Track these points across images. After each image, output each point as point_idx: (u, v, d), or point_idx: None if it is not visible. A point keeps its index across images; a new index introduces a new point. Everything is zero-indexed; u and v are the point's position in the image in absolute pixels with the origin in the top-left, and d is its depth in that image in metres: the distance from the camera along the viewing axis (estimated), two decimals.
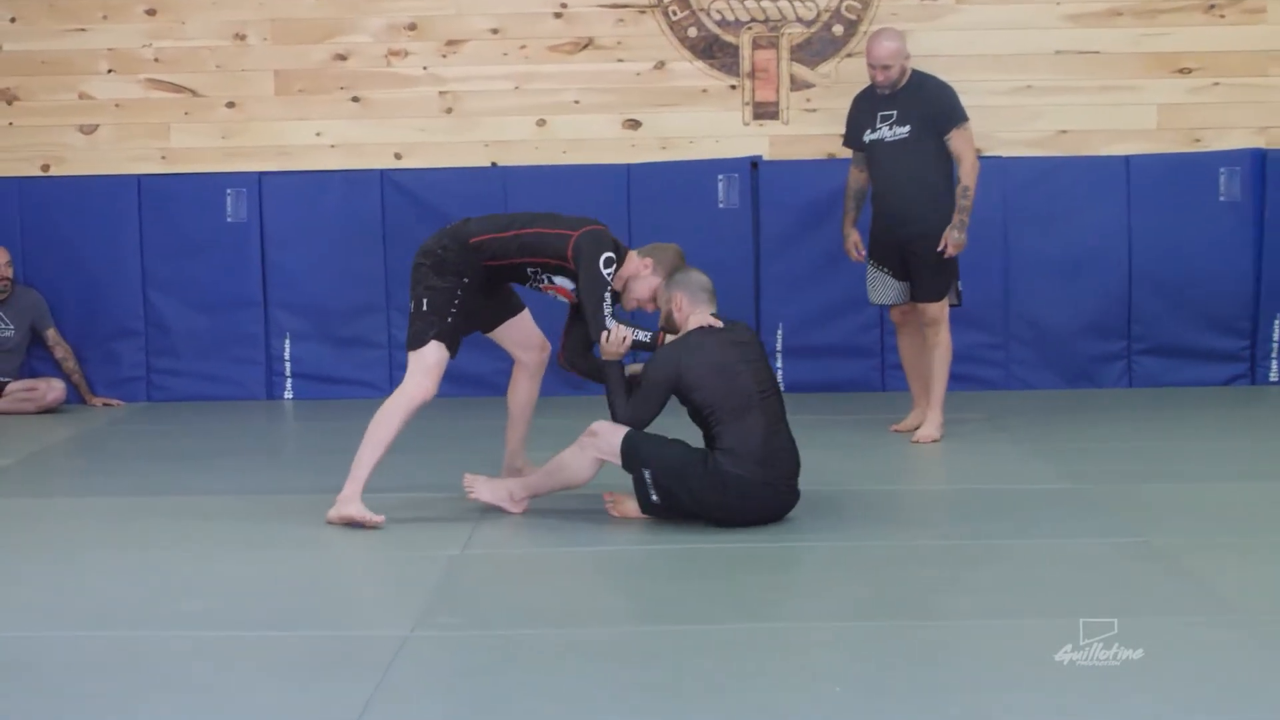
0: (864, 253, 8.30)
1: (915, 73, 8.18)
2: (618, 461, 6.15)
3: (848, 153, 9.80)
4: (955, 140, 8.05)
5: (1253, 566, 5.54)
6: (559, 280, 6.57)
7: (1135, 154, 9.65)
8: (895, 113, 8.09)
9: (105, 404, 9.76)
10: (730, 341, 6.21)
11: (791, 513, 6.27)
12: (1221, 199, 9.60)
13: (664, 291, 6.36)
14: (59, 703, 4.36)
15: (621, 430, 6.15)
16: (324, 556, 5.96)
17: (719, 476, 6.01)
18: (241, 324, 9.84)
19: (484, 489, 6.45)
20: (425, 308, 6.41)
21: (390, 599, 5.40)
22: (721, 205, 9.61)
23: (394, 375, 9.74)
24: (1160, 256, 9.61)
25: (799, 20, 9.71)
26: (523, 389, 6.90)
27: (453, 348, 6.48)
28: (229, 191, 9.79)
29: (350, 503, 6.31)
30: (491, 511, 6.49)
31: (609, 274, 6.37)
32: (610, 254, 6.39)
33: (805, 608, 5.27)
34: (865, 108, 8.23)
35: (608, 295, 6.37)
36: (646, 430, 6.19)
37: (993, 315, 9.65)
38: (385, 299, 9.77)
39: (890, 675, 4.46)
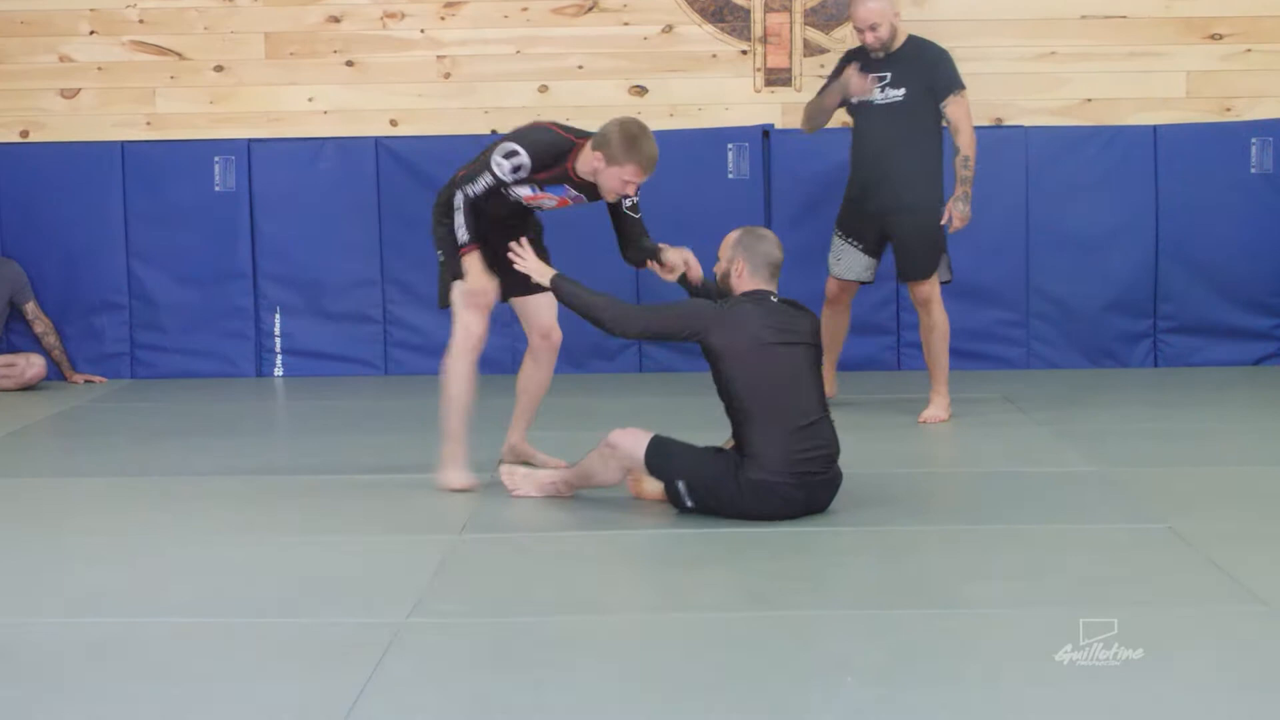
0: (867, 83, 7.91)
1: (911, 36, 7.92)
2: (643, 472, 6.01)
3: None
4: (952, 108, 7.77)
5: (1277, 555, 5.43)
6: (538, 191, 6.35)
7: (1163, 124, 9.45)
8: (890, 75, 7.81)
9: (87, 381, 9.60)
10: (777, 325, 5.91)
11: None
12: (1253, 171, 9.47)
13: (730, 248, 6.06)
14: (40, 692, 4.29)
15: (642, 440, 5.93)
16: (317, 541, 5.86)
17: (753, 486, 5.81)
18: (230, 298, 9.68)
19: (526, 484, 6.36)
20: (441, 257, 6.45)
21: (385, 585, 5.26)
22: (731, 175, 9.40)
23: (389, 352, 9.56)
24: (1189, 231, 9.43)
25: None
26: (527, 373, 6.80)
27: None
28: (217, 159, 9.59)
29: (447, 469, 6.43)
30: (489, 494, 6.40)
31: (507, 165, 6.21)
32: (515, 147, 6.22)
33: (819, 596, 5.14)
34: (855, 66, 7.92)
35: (479, 185, 6.23)
36: (668, 438, 5.96)
37: (1013, 292, 9.50)
38: (380, 272, 9.58)
39: (908, 665, 4.39)
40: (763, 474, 5.77)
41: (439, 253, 6.46)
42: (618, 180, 6.19)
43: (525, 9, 9.55)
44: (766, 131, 9.47)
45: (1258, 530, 5.73)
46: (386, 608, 4.91)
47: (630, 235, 6.46)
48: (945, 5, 9.39)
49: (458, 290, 6.38)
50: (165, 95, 9.65)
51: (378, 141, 9.54)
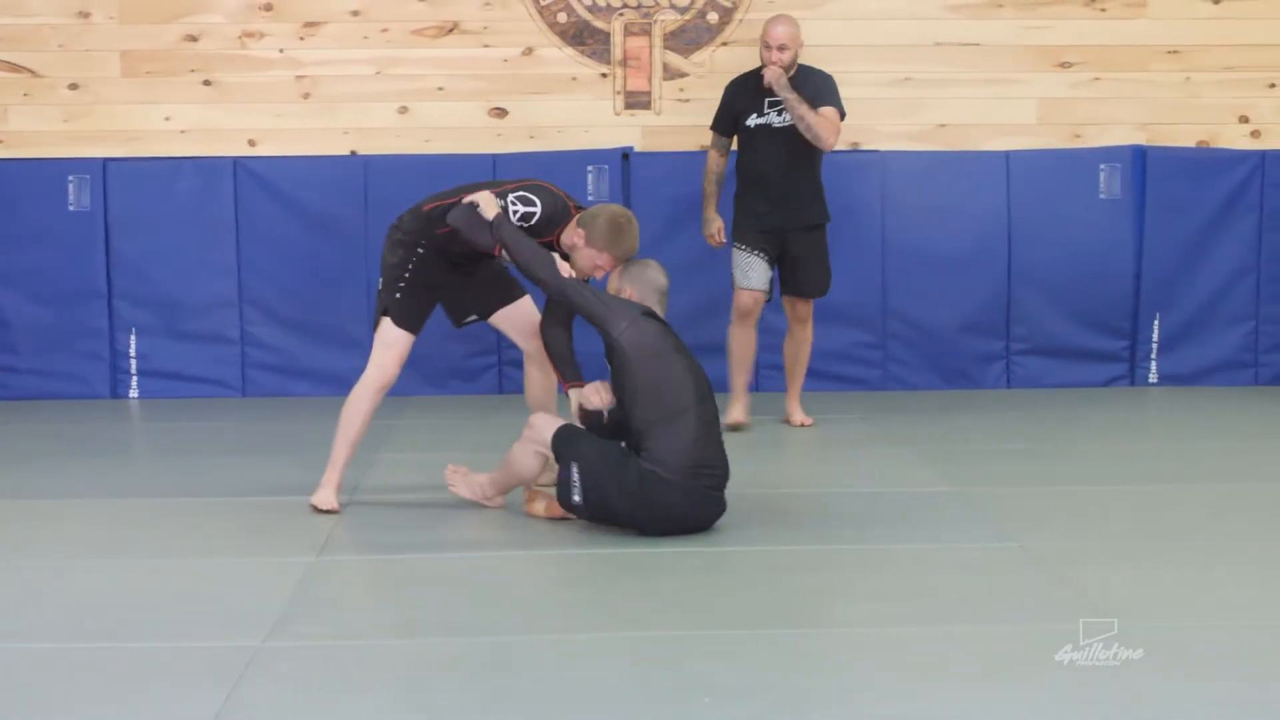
0: (724, 239, 8.39)
1: (801, 65, 8.18)
2: (549, 453, 6.07)
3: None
4: (825, 112, 8.06)
5: (1129, 572, 5.52)
6: None
7: (1015, 149, 9.59)
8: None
9: None
10: (671, 339, 6.07)
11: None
12: (1102, 196, 9.58)
13: (617, 279, 6.22)
14: None
15: (556, 423, 6.08)
16: (172, 564, 5.79)
17: (646, 478, 5.85)
18: (85, 318, 9.51)
19: (462, 485, 6.43)
20: (380, 285, 6.47)
21: (242, 608, 5.20)
22: (591, 197, 9.39)
23: (247, 373, 9.49)
24: (1040, 254, 9.55)
25: (673, 7, 9.51)
26: (534, 380, 6.76)
27: (409, 324, 6.42)
28: (71, 178, 9.44)
29: (322, 489, 6.40)
30: (347, 515, 6.38)
31: (520, 210, 6.23)
32: (534, 199, 6.26)
33: (682, 616, 5.13)
34: (746, 94, 8.22)
35: (510, 208, 6.24)
36: (579, 427, 6.10)
37: (870, 313, 9.57)
38: (238, 292, 9.48)
39: (769, 685, 4.38)
40: (658, 468, 5.83)
41: (379, 280, 6.46)
42: (590, 262, 6.24)
43: (385, 30, 9.50)
44: (626, 154, 9.48)
45: (1106, 548, 5.82)
46: (243, 631, 4.85)
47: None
48: (806, 30, 9.37)
49: (385, 325, 6.40)
50: (19, 113, 9.47)
51: (236, 161, 9.42)
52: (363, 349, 6.63)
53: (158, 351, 9.51)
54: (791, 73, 8.06)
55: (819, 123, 7.98)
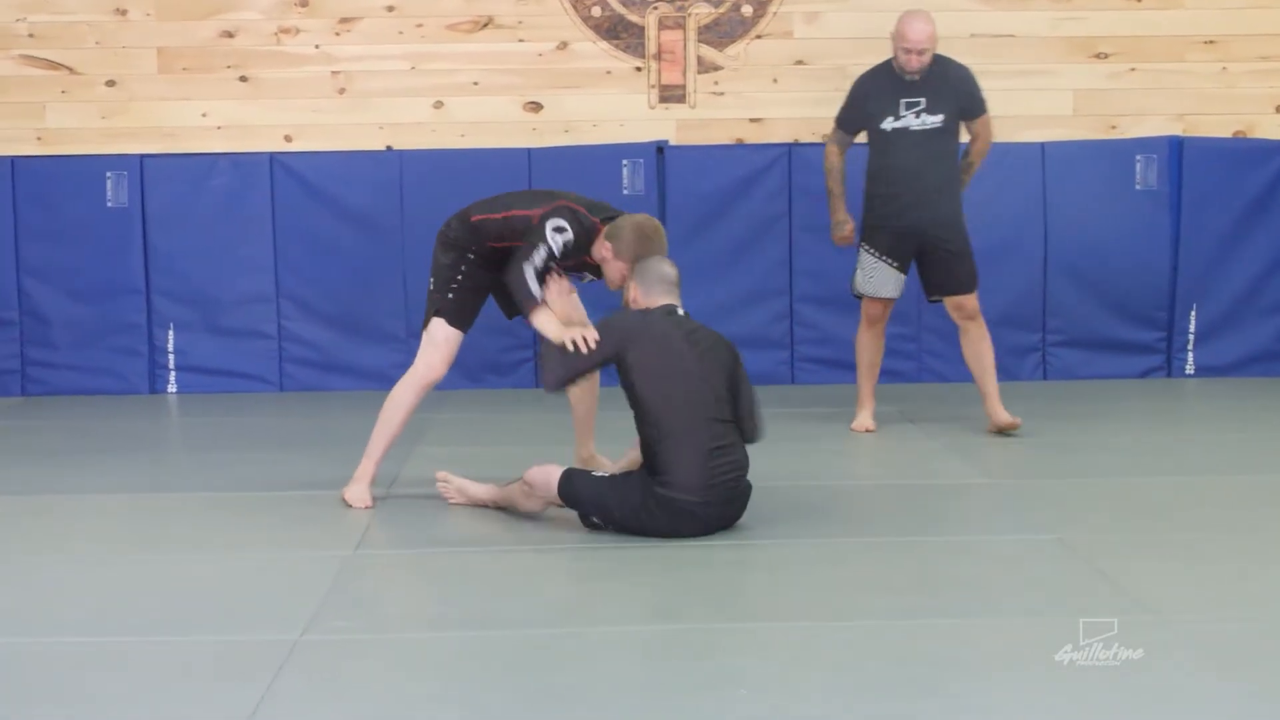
0: (854, 239, 8.02)
1: (936, 56, 7.83)
2: (559, 502, 6.03)
3: (756, 138, 9.60)
4: (981, 124, 7.90)
5: (1165, 564, 5.49)
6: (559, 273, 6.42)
7: (1051, 140, 9.56)
8: (924, 100, 7.75)
9: None
10: (684, 335, 5.95)
11: None
12: (1138, 187, 9.56)
13: (630, 278, 6.17)
14: None
15: (554, 475, 5.98)
16: (210, 558, 5.80)
17: (664, 504, 5.80)
18: (122, 314, 9.57)
19: (455, 494, 6.42)
20: (431, 286, 6.47)
21: (279, 602, 5.20)
22: (626, 192, 9.39)
23: (284, 368, 9.51)
24: (1076, 246, 9.52)
25: (707, 0, 9.45)
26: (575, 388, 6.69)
27: (460, 324, 6.44)
28: (109, 175, 9.48)
29: (355, 484, 6.43)
30: (385, 511, 6.37)
31: (559, 241, 6.23)
32: (564, 224, 6.24)
33: (717, 609, 5.13)
34: (883, 92, 7.84)
35: (540, 256, 6.19)
36: (576, 470, 6.03)
37: (905, 306, 9.46)
38: (275, 288, 9.51)
39: (801, 677, 4.39)
40: (674, 492, 5.77)
41: (430, 280, 6.46)
42: (620, 273, 6.22)
43: (420, 25, 9.53)
44: (661, 148, 9.48)
45: (1142, 540, 5.79)
46: (281, 625, 4.85)
47: None
48: (834, 23, 9.45)
49: (436, 324, 6.41)
50: (56, 110, 9.53)
51: (272, 157, 9.46)
52: (400, 343, 6.70)
53: (195, 347, 9.56)
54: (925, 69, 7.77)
55: (981, 156, 7.93)
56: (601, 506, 5.88)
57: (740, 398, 5.94)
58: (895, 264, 7.88)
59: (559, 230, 6.24)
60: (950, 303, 7.95)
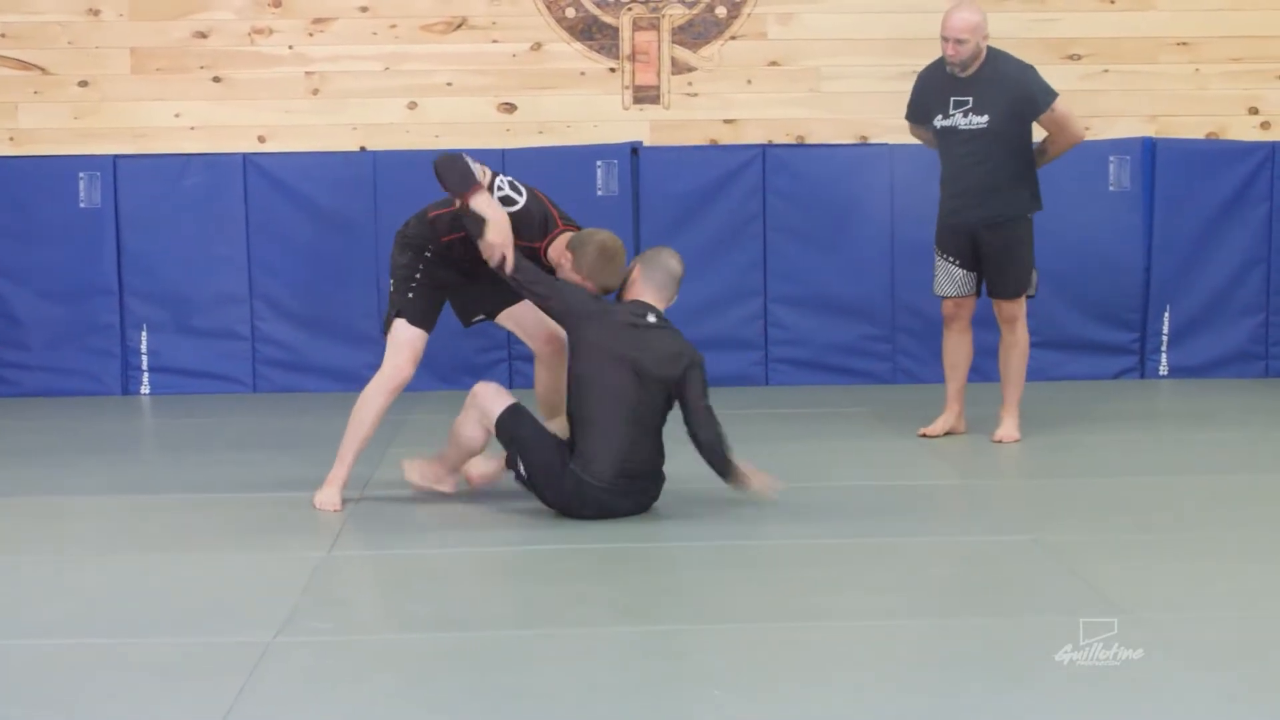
0: None
1: (991, 51, 7.57)
2: (492, 425, 6.13)
3: (731, 139, 9.66)
4: (1048, 122, 7.58)
5: (1140, 565, 5.49)
6: None
7: None
8: (970, 100, 7.54)
9: None
10: (635, 338, 6.01)
11: (670, 511, 6.20)
12: (1111, 189, 9.58)
13: (633, 264, 6.25)
14: None
15: (502, 402, 6.12)
16: (183, 560, 5.78)
17: (576, 484, 5.98)
18: (95, 315, 9.56)
19: (414, 473, 6.50)
20: (391, 286, 6.49)
21: (254, 603, 5.19)
22: (600, 192, 9.40)
23: (258, 369, 9.47)
24: (1050, 246, 9.40)
25: (680, 1, 9.48)
26: (544, 383, 6.73)
27: (423, 323, 6.44)
28: (82, 175, 9.47)
29: (326, 488, 6.40)
30: (358, 510, 6.38)
31: (502, 192, 6.21)
32: (521, 192, 6.25)
33: (687, 610, 5.16)
34: (935, 89, 7.67)
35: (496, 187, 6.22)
36: (525, 411, 6.14)
37: (880, 307, 9.58)
38: (249, 289, 9.51)
39: (772, 677, 4.39)
40: (587, 476, 5.94)
41: (390, 282, 6.48)
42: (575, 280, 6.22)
43: (394, 26, 9.52)
44: (635, 149, 9.50)
45: (1118, 540, 5.80)
46: (256, 626, 4.85)
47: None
48: (809, 24, 9.48)
49: (399, 325, 6.40)
50: (29, 110, 9.51)
51: (245, 158, 9.46)
52: (373, 344, 6.70)
53: (168, 348, 9.55)
54: (979, 63, 7.51)
55: (1062, 149, 7.65)
56: (527, 451, 6.01)
57: (687, 407, 6.02)
58: (956, 261, 7.73)
59: (513, 188, 6.23)
60: (994, 304, 7.82)
